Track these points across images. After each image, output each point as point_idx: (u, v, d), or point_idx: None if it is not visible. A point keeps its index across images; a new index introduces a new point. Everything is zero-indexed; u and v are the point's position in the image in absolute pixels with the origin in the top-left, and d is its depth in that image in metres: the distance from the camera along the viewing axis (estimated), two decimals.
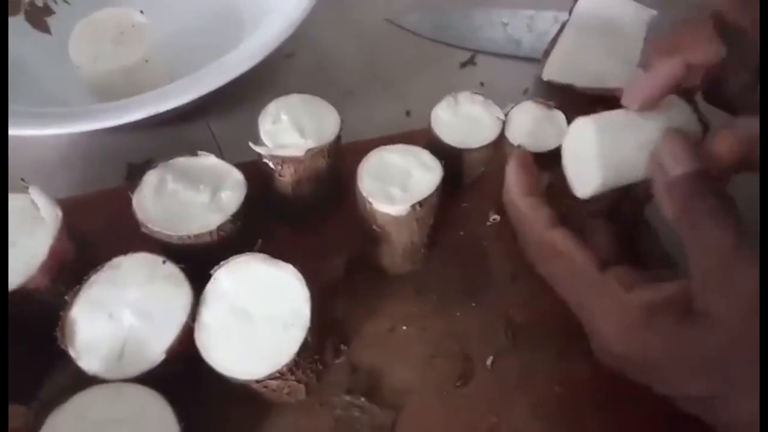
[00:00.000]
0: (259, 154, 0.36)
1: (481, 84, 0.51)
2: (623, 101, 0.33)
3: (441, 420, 0.35)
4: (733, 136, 0.29)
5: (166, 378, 0.29)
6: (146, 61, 0.46)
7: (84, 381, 0.29)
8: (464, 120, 0.39)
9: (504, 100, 0.40)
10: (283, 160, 0.36)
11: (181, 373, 0.31)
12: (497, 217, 0.42)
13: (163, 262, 0.32)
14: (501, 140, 0.39)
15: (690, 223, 0.28)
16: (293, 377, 0.31)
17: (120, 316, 0.31)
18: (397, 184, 0.34)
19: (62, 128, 0.39)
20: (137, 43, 0.46)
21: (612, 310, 0.30)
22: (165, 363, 0.29)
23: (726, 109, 0.34)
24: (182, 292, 0.31)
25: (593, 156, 0.31)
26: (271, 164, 0.36)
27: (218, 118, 0.48)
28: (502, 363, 0.37)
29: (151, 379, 0.29)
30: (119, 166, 0.45)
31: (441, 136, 0.38)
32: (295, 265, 0.32)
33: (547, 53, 0.49)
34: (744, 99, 0.33)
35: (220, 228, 0.33)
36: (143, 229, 0.33)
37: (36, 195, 0.33)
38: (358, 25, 0.56)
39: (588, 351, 0.32)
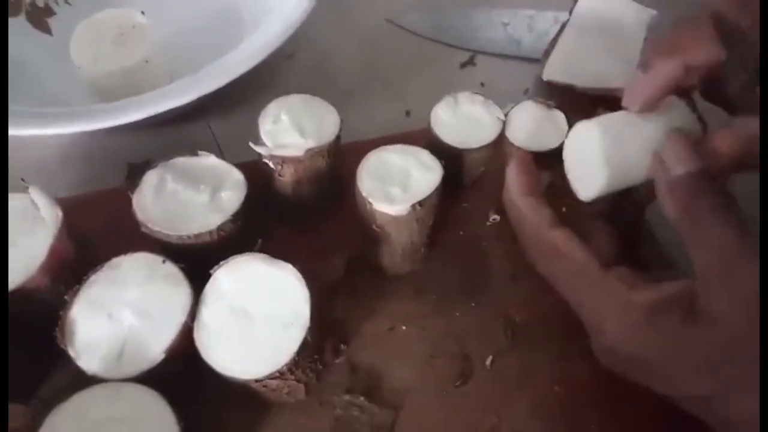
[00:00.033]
0: (259, 154, 0.36)
1: (482, 84, 0.51)
2: (623, 102, 0.33)
3: (440, 419, 0.35)
4: (732, 135, 0.29)
5: (166, 378, 0.29)
6: (147, 61, 0.46)
7: (83, 380, 0.29)
8: (464, 120, 0.39)
9: (504, 100, 0.40)
10: (283, 160, 0.36)
11: (181, 373, 0.31)
12: (497, 217, 0.42)
13: (163, 261, 0.32)
14: (501, 140, 0.39)
15: (692, 222, 0.28)
16: (293, 377, 0.31)
17: (119, 316, 0.31)
18: (396, 184, 0.34)
19: (62, 128, 0.39)
20: (138, 43, 0.46)
21: (615, 308, 0.29)
22: (164, 363, 0.29)
23: (724, 107, 0.34)
24: (182, 291, 0.31)
25: (597, 158, 0.31)
26: (271, 164, 0.36)
27: (218, 118, 0.48)
28: (502, 363, 0.37)
29: (151, 378, 0.29)
30: (119, 166, 0.45)
31: (441, 136, 0.38)
32: (294, 265, 0.32)
33: (547, 53, 0.49)
34: (743, 98, 0.33)
35: (219, 228, 0.33)
36: (143, 229, 0.33)
37: (36, 195, 0.33)
38: (358, 25, 0.56)
39: (588, 351, 0.32)
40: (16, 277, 0.30)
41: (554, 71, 0.48)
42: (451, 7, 0.56)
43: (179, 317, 0.30)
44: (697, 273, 0.28)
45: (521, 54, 0.53)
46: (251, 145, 0.36)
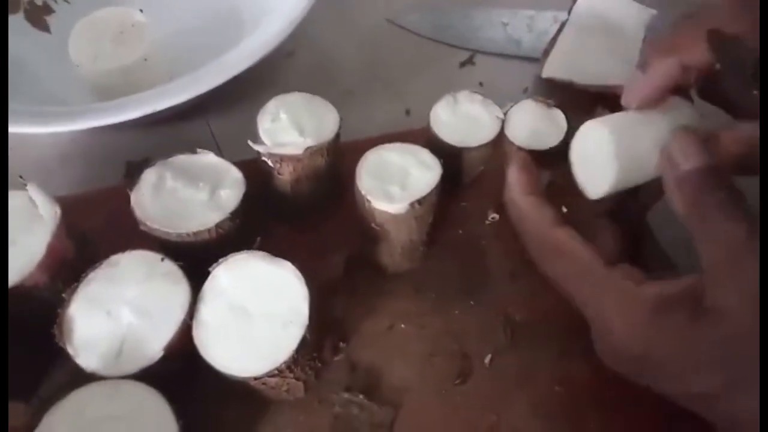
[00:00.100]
0: (258, 153, 0.36)
1: (480, 84, 0.51)
2: (623, 101, 0.33)
3: (440, 418, 0.35)
4: (732, 138, 0.29)
5: (164, 375, 0.29)
6: (146, 60, 0.46)
7: (82, 378, 0.29)
8: (463, 119, 0.39)
9: (504, 99, 0.40)
10: (282, 159, 0.36)
11: (180, 371, 0.31)
12: (496, 216, 0.42)
13: (162, 259, 0.32)
14: (500, 139, 0.39)
15: (700, 217, 0.28)
16: (292, 375, 0.31)
17: (118, 314, 0.31)
18: (396, 182, 0.34)
19: (61, 126, 0.39)
20: (137, 42, 0.46)
21: (621, 305, 0.29)
22: (163, 360, 0.29)
23: (722, 106, 0.34)
24: (181, 289, 0.31)
25: (606, 158, 0.31)
26: (270, 162, 0.36)
27: (217, 116, 0.48)
28: (501, 361, 0.37)
29: (149, 376, 0.29)
30: (118, 165, 0.45)
31: (440, 135, 0.38)
32: (293, 263, 0.32)
33: (546, 52, 0.49)
34: (741, 99, 0.33)
35: (218, 226, 0.33)
36: (142, 227, 0.33)
37: (34, 192, 0.33)
38: (358, 24, 0.56)
39: (588, 350, 0.32)
40: (14, 275, 0.30)
41: (553, 70, 0.48)
42: (451, 7, 0.56)
43: (178, 315, 0.30)
44: (705, 268, 0.27)
45: (521, 54, 0.53)
46: (250, 143, 0.36)
